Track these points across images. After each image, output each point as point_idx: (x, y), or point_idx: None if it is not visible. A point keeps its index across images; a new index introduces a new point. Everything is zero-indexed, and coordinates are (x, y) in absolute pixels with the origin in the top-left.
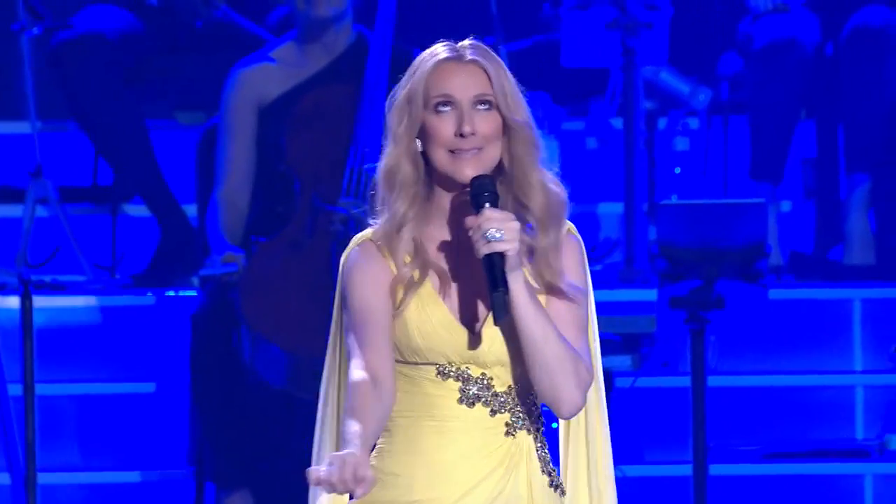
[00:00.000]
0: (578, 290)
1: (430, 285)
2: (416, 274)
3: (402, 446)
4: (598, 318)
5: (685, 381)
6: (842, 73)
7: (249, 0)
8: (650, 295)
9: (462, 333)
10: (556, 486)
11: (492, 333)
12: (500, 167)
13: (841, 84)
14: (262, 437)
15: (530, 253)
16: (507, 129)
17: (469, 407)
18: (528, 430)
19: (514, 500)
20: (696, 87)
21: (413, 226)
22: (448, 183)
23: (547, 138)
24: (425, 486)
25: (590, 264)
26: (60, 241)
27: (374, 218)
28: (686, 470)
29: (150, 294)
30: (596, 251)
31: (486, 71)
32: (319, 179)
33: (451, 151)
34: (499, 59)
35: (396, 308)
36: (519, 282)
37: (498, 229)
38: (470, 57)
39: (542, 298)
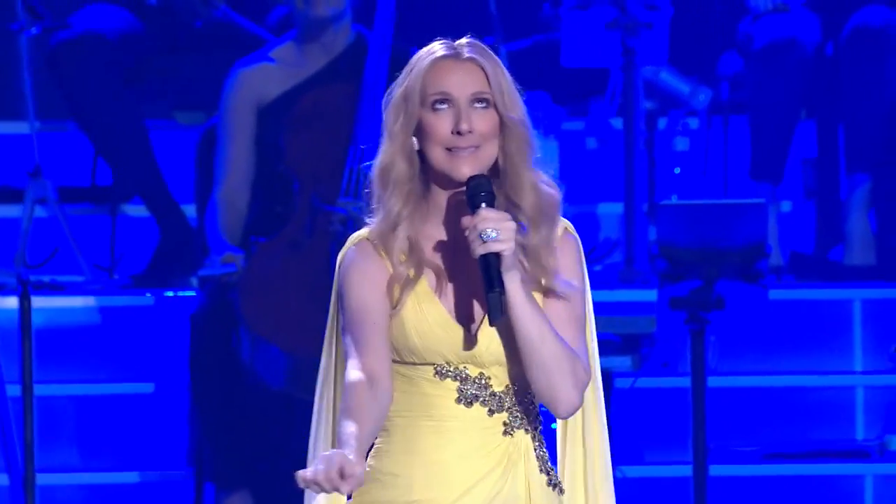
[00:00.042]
0: (573, 288)
1: (426, 284)
2: (412, 272)
3: (400, 446)
4: (597, 318)
5: (685, 382)
6: (842, 73)
7: (249, 0)
8: (650, 295)
9: (459, 333)
10: (554, 484)
11: (489, 333)
12: (495, 166)
13: (841, 84)
14: (262, 438)
15: (524, 252)
16: (503, 127)
17: (467, 407)
18: (526, 430)
19: (513, 499)
20: (696, 87)
21: (408, 224)
22: (445, 181)
23: (547, 138)
24: (424, 487)
25: (590, 265)
26: (59, 242)
27: (369, 216)
28: (686, 471)
29: (149, 294)
30: (596, 252)
31: (483, 69)
32: (319, 179)
33: (449, 149)
34: (496, 57)
35: (393, 307)
36: (515, 282)
37: (494, 229)
38: (467, 55)
39: (538, 297)
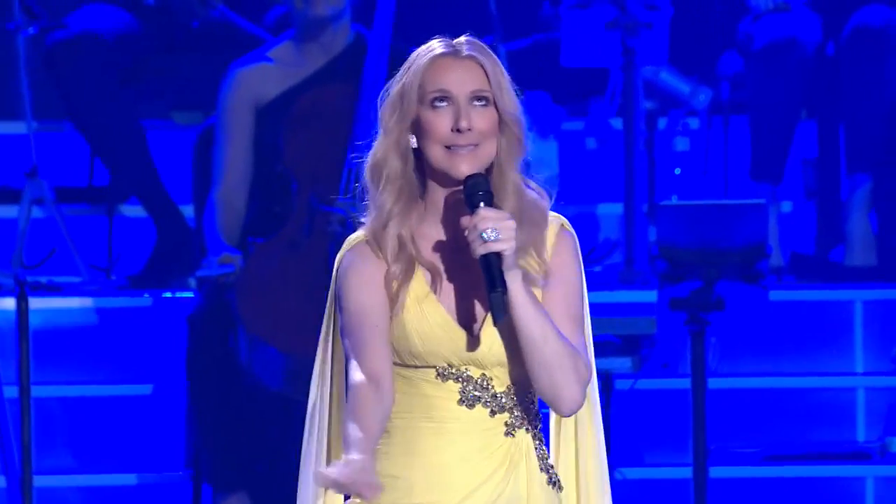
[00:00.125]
0: (569, 284)
1: (425, 285)
2: (404, 270)
3: (401, 448)
4: (597, 319)
5: (685, 383)
6: (843, 73)
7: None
8: (650, 296)
9: (461, 335)
10: (553, 482)
11: (491, 334)
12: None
13: (842, 84)
14: (260, 439)
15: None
16: (501, 125)
17: (469, 408)
18: (527, 429)
19: (514, 500)
20: (696, 87)
21: (399, 221)
22: (443, 179)
23: (547, 138)
24: (424, 489)
25: (590, 266)
26: (56, 242)
27: (363, 214)
28: (686, 472)
29: (146, 295)
30: (595, 252)
31: (483, 67)
32: (317, 180)
33: (448, 147)
34: (494, 55)
35: (393, 307)
36: (517, 281)
37: (493, 229)
38: (466, 52)
39: (537, 293)
